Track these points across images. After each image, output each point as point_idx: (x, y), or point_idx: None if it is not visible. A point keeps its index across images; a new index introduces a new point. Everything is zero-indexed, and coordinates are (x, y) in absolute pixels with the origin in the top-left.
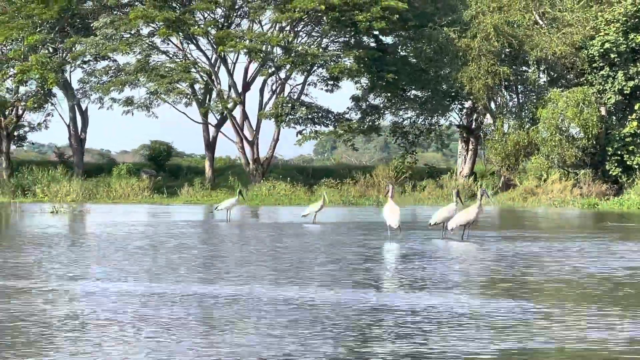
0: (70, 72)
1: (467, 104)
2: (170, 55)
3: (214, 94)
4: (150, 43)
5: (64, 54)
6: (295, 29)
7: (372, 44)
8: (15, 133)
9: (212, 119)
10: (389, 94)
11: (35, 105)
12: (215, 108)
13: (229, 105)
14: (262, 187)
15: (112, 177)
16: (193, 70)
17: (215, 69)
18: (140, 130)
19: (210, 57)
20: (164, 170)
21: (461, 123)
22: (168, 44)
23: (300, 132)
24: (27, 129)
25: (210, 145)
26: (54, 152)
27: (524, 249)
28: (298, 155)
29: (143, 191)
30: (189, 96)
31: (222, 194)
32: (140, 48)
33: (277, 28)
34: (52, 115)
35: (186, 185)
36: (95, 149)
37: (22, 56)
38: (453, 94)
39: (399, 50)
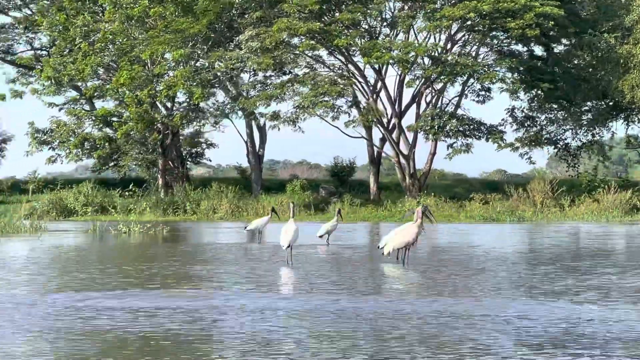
0: (247, 87)
1: None
2: (336, 69)
3: (366, 107)
4: (313, 57)
5: (211, 68)
6: (453, 39)
7: (538, 52)
8: (194, 150)
9: (376, 133)
10: (547, 105)
11: (184, 122)
12: (364, 122)
13: (384, 119)
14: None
15: (286, 194)
16: (340, 82)
17: (369, 81)
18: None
19: (363, 69)
20: (345, 186)
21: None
22: (335, 56)
23: (451, 146)
24: (204, 146)
25: (375, 160)
26: (236, 169)
27: None
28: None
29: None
30: (335, 109)
31: (363, 211)
32: (288, 59)
33: (428, 38)
34: (202, 131)
35: (333, 201)
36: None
37: (173, 71)
38: (615, 104)
39: (559, 59)
